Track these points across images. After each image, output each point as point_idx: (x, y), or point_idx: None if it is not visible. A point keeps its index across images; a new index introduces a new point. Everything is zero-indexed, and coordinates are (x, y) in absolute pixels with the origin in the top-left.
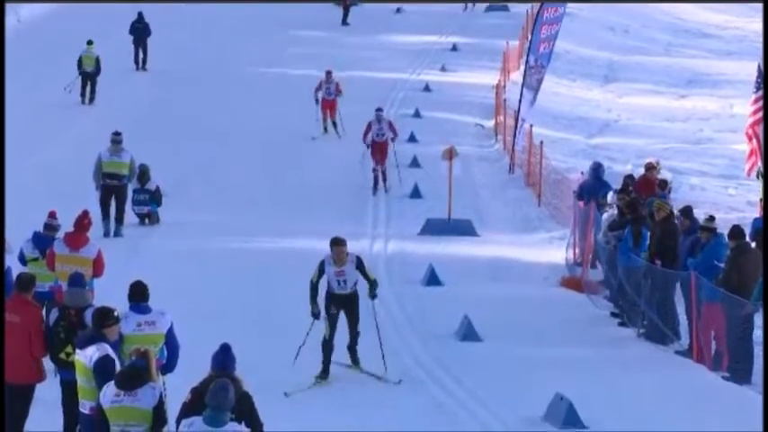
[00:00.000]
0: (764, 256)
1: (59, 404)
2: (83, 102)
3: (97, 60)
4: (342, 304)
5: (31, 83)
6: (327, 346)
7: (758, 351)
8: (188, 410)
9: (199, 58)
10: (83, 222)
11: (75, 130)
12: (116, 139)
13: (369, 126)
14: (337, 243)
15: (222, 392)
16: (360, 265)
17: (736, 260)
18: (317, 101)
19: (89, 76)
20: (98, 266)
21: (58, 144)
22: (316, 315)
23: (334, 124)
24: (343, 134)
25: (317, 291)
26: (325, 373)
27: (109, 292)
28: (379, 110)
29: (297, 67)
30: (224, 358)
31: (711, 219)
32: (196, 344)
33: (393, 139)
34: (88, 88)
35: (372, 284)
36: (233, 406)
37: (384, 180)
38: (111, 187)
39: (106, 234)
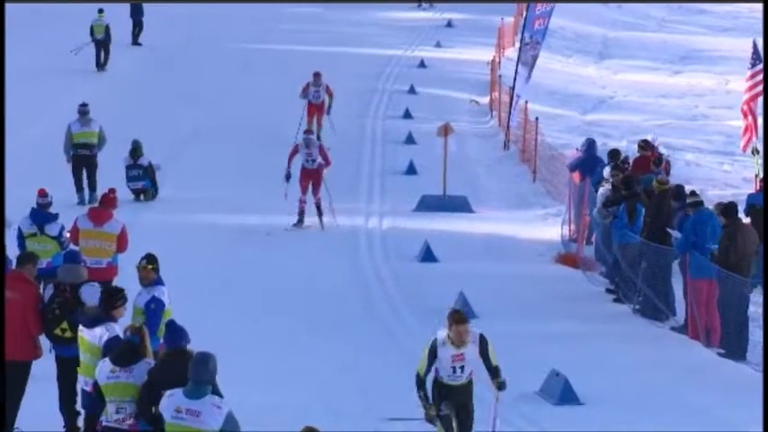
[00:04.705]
0: (765, 235)
1: (54, 379)
2: (98, 69)
3: (107, 28)
4: (455, 397)
5: (30, 51)
6: None
7: (752, 328)
8: (149, 390)
9: (193, 33)
10: (108, 197)
11: (65, 104)
12: (83, 110)
13: (295, 149)
14: (460, 320)
15: (202, 365)
16: (483, 346)
17: (733, 237)
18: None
19: (102, 43)
20: (122, 242)
21: (54, 115)
22: (432, 419)
23: (318, 136)
24: (331, 135)
25: (425, 385)
26: None
27: None
28: (308, 132)
29: (290, 44)
30: (173, 334)
31: (693, 194)
32: (194, 319)
33: (324, 167)
34: (102, 55)
35: (497, 372)
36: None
37: (320, 214)
38: (82, 157)
39: (81, 202)
